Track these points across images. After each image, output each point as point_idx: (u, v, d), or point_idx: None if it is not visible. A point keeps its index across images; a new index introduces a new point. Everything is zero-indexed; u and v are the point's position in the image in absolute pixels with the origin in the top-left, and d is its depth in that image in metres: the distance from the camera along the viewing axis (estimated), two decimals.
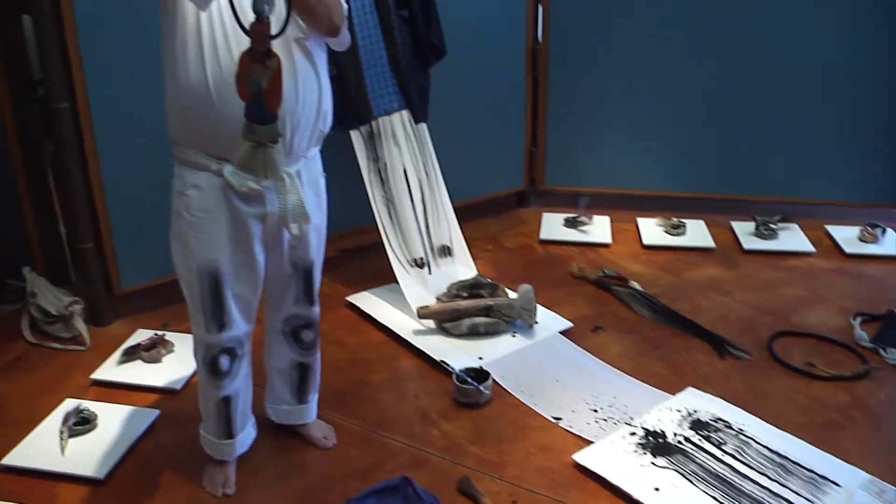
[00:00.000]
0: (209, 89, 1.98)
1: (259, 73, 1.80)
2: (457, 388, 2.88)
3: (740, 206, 4.43)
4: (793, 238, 4.22)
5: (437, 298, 3.45)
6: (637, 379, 3.01)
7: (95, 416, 2.74)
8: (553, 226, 4.40)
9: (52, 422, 2.73)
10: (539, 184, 4.64)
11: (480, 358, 3.10)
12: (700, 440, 2.63)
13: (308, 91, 2.10)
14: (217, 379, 2.32)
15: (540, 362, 3.12)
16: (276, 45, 1.86)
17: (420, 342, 3.21)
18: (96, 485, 2.50)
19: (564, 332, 3.31)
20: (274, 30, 1.80)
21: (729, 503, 2.36)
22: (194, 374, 2.99)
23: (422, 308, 3.30)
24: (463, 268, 3.69)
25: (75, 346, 3.30)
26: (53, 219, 3.71)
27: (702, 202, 4.49)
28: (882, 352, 3.15)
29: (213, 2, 1.91)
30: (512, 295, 3.42)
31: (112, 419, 2.76)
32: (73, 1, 3.02)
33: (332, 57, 2.24)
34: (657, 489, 2.42)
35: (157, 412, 2.82)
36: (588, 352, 3.19)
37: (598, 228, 4.36)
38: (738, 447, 2.59)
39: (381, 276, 3.61)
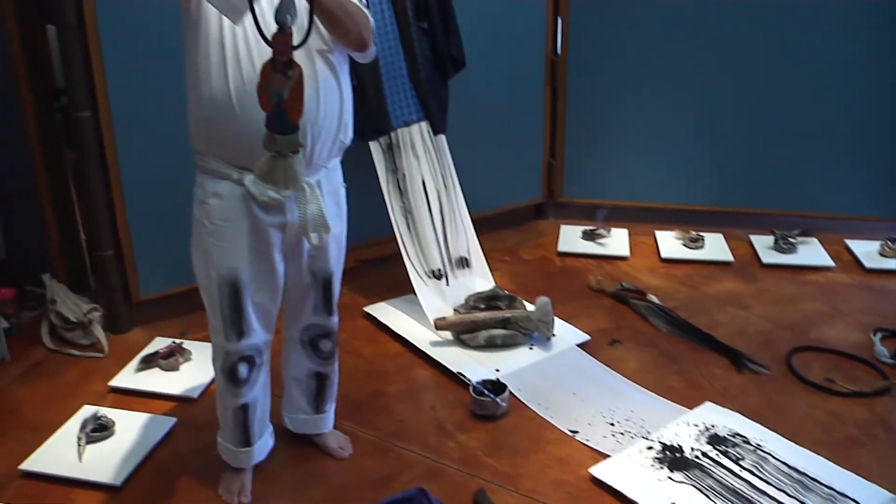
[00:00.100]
0: (231, 99, 2.00)
1: (281, 83, 1.81)
2: (473, 399, 2.87)
3: (759, 220, 4.41)
4: (812, 252, 4.19)
5: (455, 310, 3.45)
6: (654, 393, 3.00)
7: (113, 422, 2.76)
8: (571, 238, 4.39)
9: (70, 428, 2.75)
10: (557, 196, 4.64)
11: (497, 370, 3.10)
12: (717, 455, 2.61)
13: (330, 101, 2.11)
14: (235, 387, 2.32)
15: (557, 375, 3.12)
16: (299, 56, 1.88)
17: (437, 353, 3.21)
18: (113, 491, 2.51)
19: (582, 345, 3.30)
20: (296, 40, 1.81)
21: None
22: (211, 382, 3.00)
23: (439, 319, 3.30)
24: (480, 279, 3.69)
25: (94, 353, 3.32)
26: (74, 226, 3.74)
27: (720, 216, 4.47)
28: None
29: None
30: (529, 307, 3.41)
31: (129, 426, 2.77)
32: (97, 11, 3.05)
33: (352, 68, 2.25)
34: None
35: (174, 420, 2.83)
36: (605, 365, 3.18)
37: (616, 241, 4.35)
38: (756, 463, 2.58)
39: (399, 287, 3.61)
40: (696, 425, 2.76)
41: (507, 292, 3.52)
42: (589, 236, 4.36)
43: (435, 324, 3.30)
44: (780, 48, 4.16)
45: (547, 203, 4.69)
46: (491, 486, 2.52)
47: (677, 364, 3.21)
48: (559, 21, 4.33)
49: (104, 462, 2.60)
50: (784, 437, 2.70)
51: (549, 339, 3.29)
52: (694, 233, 4.30)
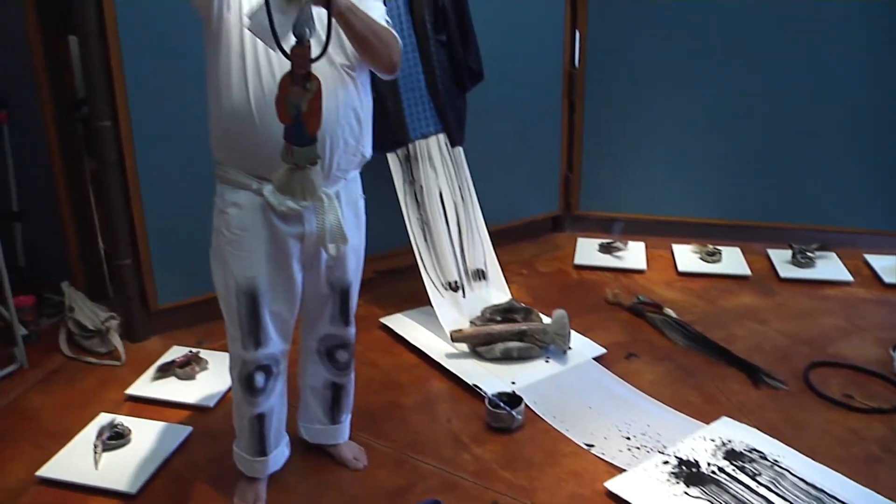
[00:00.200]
0: (251, 111, 2.02)
1: (299, 95, 1.82)
2: (489, 412, 2.87)
3: (777, 234, 4.40)
4: (830, 267, 4.17)
5: (471, 322, 3.45)
6: (671, 407, 2.99)
7: (129, 431, 2.77)
8: (588, 251, 4.39)
9: (87, 435, 2.76)
10: (574, 209, 4.64)
11: (513, 382, 3.09)
12: (734, 471, 2.59)
13: (350, 114, 2.13)
14: (252, 396, 2.33)
15: (573, 388, 3.11)
16: (321, 69, 1.90)
17: (453, 365, 3.21)
18: (128, 499, 2.51)
19: (598, 359, 3.30)
20: (314, 53, 1.82)
21: None
22: (227, 391, 3.02)
23: (455, 331, 3.30)
24: (497, 292, 3.69)
25: (111, 360, 3.33)
26: (93, 235, 3.77)
27: (738, 229, 4.46)
28: None
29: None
30: (546, 320, 3.41)
31: (145, 434, 2.79)
32: (118, 23, 3.08)
33: (371, 80, 2.27)
34: None
35: (189, 429, 2.83)
36: (621, 378, 3.17)
37: (633, 254, 4.34)
38: (774, 479, 2.56)
39: (415, 299, 3.61)
40: (712, 440, 2.74)
41: (523, 305, 3.52)
42: (606, 249, 4.35)
43: (451, 336, 3.29)
44: (799, 62, 4.16)
45: (564, 216, 4.69)
46: (506, 499, 2.51)
47: (694, 378, 3.19)
48: (577, 34, 4.34)
49: (120, 470, 2.61)
50: (802, 453, 2.68)
51: (565, 352, 3.28)
52: (711, 246, 4.29)
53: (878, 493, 2.49)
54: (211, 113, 2.13)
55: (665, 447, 2.72)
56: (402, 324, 3.55)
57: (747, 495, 2.48)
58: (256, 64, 2.00)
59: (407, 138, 3.50)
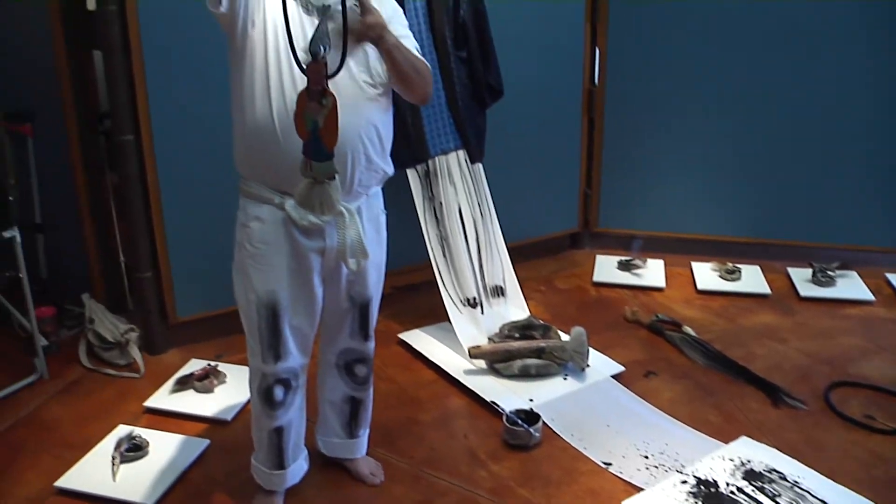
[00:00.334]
0: (274, 125, 2.03)
1: (315, 111, 1.85)
2: (506, 429, 2.86)
3: (797, 252, 4.37)
4: (851, 286, 4.14)
5: (489, 339, 3.44)
6: (689, 426, 2.97)
7: (147, 443, 2.78)
8: (606, 268, 4.38)
9: (105, 447, 2.77)
10: (593, 226, 4.63)
11: (531, 400, 3.08)
12: (753, 491, 2.57)
13: (371, 130, 2.14)
14: (271, 409, 2.33)
15: (591, 406, 3.09)
16: (343, 85, 1.94)
17: (471, 382, 3.21)
18: None
19: (616, 377, 3.28)
20: (330, 70, 1.85)
21: None
22: (245, 405, 3.02)
23: (473, 348, 3.30)
24: (515, 308, 3.68)
25: (130, 373, 3.35)
26: (114, 248, 3.80)
27: (757, 247, 4.44)
28: None
29: (280, 41, 1.96)
30: (564, 337, 3.40)
31: (163, 447, 2.79)
32: (142, 38, 3.12)
33: (392, 96, 2.28)
34: None
35: (207, 442, 2.84)
36: (640, 397, 3.15)
37: (652, 272, 4.33)
38: (794, 500, 2.53)
39: (434, 315, 3.61)
40: (731, 460, 2.72)
41: (541, 322, 3.51)
42: (624, 266, 4.34)
43: (469, 352, 3.29)
44: (820, 80, 4.14)
45: (583, 233, 4.69)
46: None
47: (713, 397, 3.17)
48: (597, 52, 4.35)
49: (137, 482, 2.61)
50: (822, 474, 2.65)
51: (583, 369, 3.27)
52: (730, 264, 4.27)
53: None
54: (235, 128, 2.15)
55: (683, 466, 2.71)
56: (421, 340, 3.55)
57: None
58: (280, 80, 2.02)
59: (427, 154, 3.51)
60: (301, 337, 2.30)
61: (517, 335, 3.41)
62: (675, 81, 4.32)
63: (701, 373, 3.36)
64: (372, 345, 2.51)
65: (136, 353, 3.40)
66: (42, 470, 2.71)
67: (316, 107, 1.85)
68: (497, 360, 3.27)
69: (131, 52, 3.12)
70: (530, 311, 3.70)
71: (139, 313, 3.53)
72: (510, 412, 2.91)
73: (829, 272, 4.15)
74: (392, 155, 2.30)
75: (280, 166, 2.07)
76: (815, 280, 4.15)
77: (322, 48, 1.86)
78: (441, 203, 3.53)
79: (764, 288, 4.14)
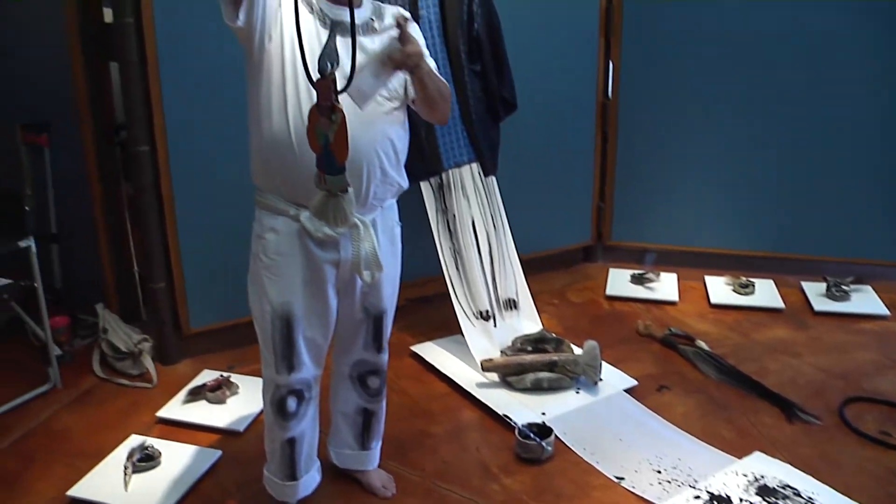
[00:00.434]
0: (291, 139, 2.05)
1: (325, 126, 1.89)
2: (519, 442, 2.85)
3: (811, 267, 4.36)
4: (866, 300, 4.12)
5: (502, 352, 3.44)
6: (702, 441, 2.95)
7: (159, 453, 2.78)
8: (619, 282, 4.37)
9: (118, 456, 2.78)
10: (606, 239, 4.63)
11: (543, 413, 3.07)
12: None
13: (387, 144, 2.16)
14: (284, 420, 2.34)
15: (603, 420, 3.08)
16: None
17: (483, 395, 3.20)
18: None
19: (629, 391, 3.27)
20: (339, 86, 1.87)
21: None
22: (257, 416, 3.03)
23: (486, 361, 3.30)
24: (528, 321, 3.68)
25: (142, 383, 3.36)
26: (128, 258, 3.82)
27: (771, 261, 4.42)
28: None
29: (297, 55, 1.98)
30: (577, 351, 3.39)
31: (175, 457, 2.80)
32: (158, 51, 3.14)
33: (406, 110, 2.29)
34: None
35: (219, 453, 2.84)
36: (653, 411, 3.14)
37: (665, 286, 4.32)
38: None
39: (447, 327, 3.61)
40: (744, 475, 2.71)
41: (554, 335, 3.51)
42: (638, 280, 4.33)
43: (482, 365, 3.29)
44: (834, 95, 4.14)
45: (596, 246, 4.69)
46: None
47: (726, 412, 3.16)
48: (610, 65, 4.35)
49: (149, 492, 2.62)
50: (837, 490, 2.63)
51: (596, 383, 3.26)
52: (744, 278, 4.26)
53: None
54: (251, 140, 2.17)
55: (696, 481, 2.69)
56: (433, 352, 3.55)
57: None
58: (296, 94, 2.04)
59: (440, 167, 3.51)
60: (315, 348, 2.31)
61: (530, 348, 3.41)
62: (689, 95, 4.32)
63: (714, 387, 3.34)
64: (385, 357, 2.51)
65: (149, 363, 3.41)
66: (54, 479, 2.72)
67: (326, 122, 1.88)
68: (509, 374, 3.26)
69: (147, 63, 3.15)
70: (543, 325, 3.70)
71: (152, 324, 3.54)
72: (522, 425, 2.90)
73: (844, 286, 4.13)
74: (406, 168, 2.30)
75: (296, 179, 2.09)
76: (830, 294, 4.13)
77: (330, 65, 1.90)
78: (454, 216, 3.53)
79: (778, 302, 4.12)
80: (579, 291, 4.34)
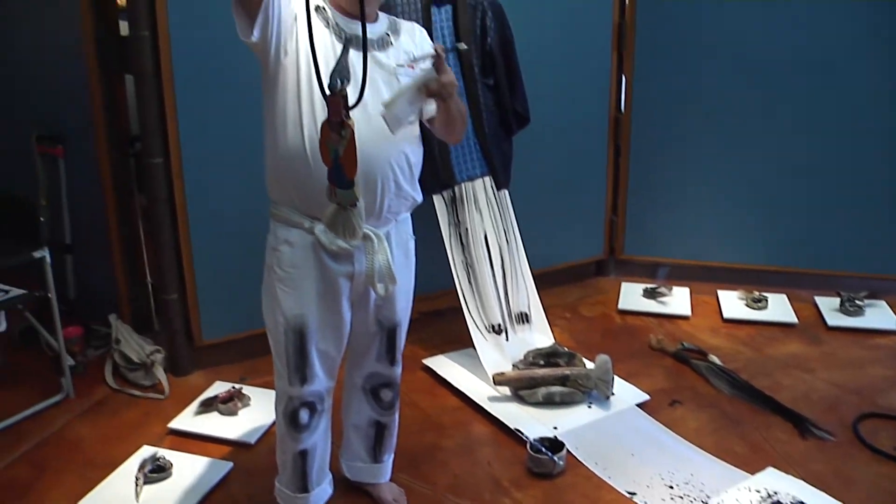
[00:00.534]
0: (306, 152, 2.06)
1: (336, 141, 1.91)
2: (530, 457, 2.85)
3: (825, 281, 4.34)
4: (880, 315, 4.09)
5: (514, 365, 3.43)
6: (715, 456, 2.94)
7: (171, 464, 2.79)
8: (632, 296, 4.36)
9: (129, 467, 2.79)
10: (619, 253, 4.62)
11: (555, 427, 3.07)
12: None
13: (401, 157, 2.16)
14: (296, 432, 2.34)
15: (615, 435, 3.07)
16: (376, 114, 2.01)
17: (495, 409, 3.19)
18: None
19: (641, 405, 3.26)
20: (351, 101, 1.90)
21: None
22: (269, 428, 3.03)
23: (498, 374, 3.29)
24: (540, 335, 3.67)
25: (154, 394, 3.36)
26: (141, 269, 3.83)
27: (784, 276, 4.41)
28: None
29: (312, 70, 1.99)
30: (589, 365, 3.38)
31: (186, 469, 2.80)
32: (173, 63, 3.16)
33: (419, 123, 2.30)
34: None
35: (230, 464, 2.84)
36: (665, 426, 3.13)
37: (678, 300, 4.31)
38: None
39: (459, 341, 3.61)
40: (757, 491, 2.69)
41: (566, 349, 3.50)
42: (650, 294, 4.32)
43: (493, 379, 3.28)
44: (846, 109, 4.13)
45: (608, 260, 4.68)
46: None
47: (739, 427, 3.14)
48: (623, 79, 4.35)
49: (160, 503, 2.62)
50: None
51: (608, 397, 3.25)
52: (757, 293, 4.24)
53: None
54: (267, 153, 2.17)
55: (709, 497, 2.68)
56: (445, 365, 3.55)
57: None
58: (311, 107, 2.04)
59: (453, 181, 3.52)
60: (328, 360, 2.31)
61: (542, 362, 3.40)
62: (702, 110, 4.32)
63: (727, 402, 3.33)
64: (399, 370, 2.52)
65: (161, 374, 3.42)
66: (66, 489, 2.72)
67: (336, 137, 1.90)
68: (521, 388, 3.26)
69: (162, 76, 3.17)
70: (555, 339, 3.69)
71: (165, 335, 3.55)
72: (534, 440, 2.89)
73: (858, 301, 4.11)
74: (419, 181, 2.31)
75: (310, 191, 2.09)
76: (843, 309, 4.11)
77: (340, 81, 1.92)
78: (467, 229, 3.53)
79: (791, 317, 4.10)
80: (591, 305, 4.33)
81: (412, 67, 2.18)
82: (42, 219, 3.30)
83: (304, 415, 2.32)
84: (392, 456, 2.67)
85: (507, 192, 3.68)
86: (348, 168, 1.92)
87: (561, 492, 2.75)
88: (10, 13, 4.02)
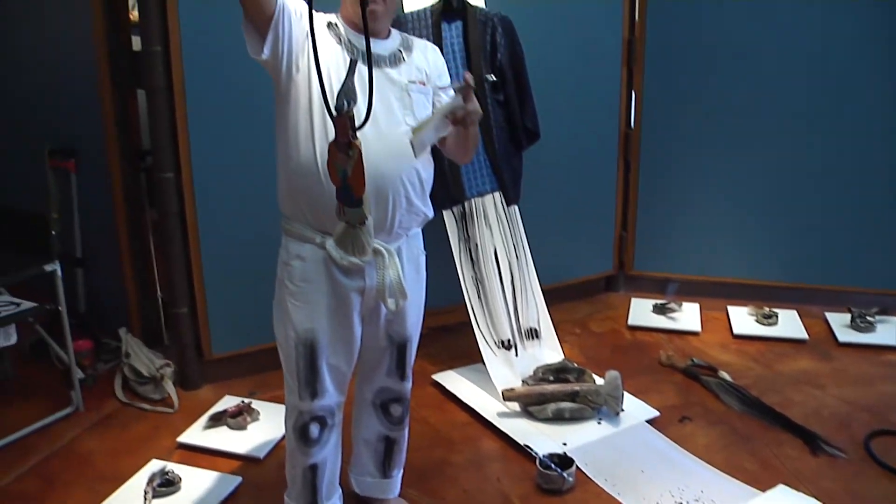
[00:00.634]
0: (318, 168, 2.07)
1: (343, 161, 1.92)
2: (540, 473, 2.84)
3: (835, 297, 4.32)
4: (891, 331, 4.07)
5: (523, 381, 3.42)
6: (725, 473, 2.92)
7: (179, 478, 2.79)
8: (642, 311, 4.35)
9: (138, 481, 2.79)
10: (628, 268, 4.61)
11: (565, 444, 3.06)
12: None
13: (412, 174, 2.17)
14: (306, 446, 2.33)
15: (625, 451, 3.06)
16: (386, 131, 2.05)
17: (504, 424, 3.19)
18: None
19: (651, 421, 3.25)
20: (358, 122, 1.91)
21: None
22: (278, 443, 3.03)
23: (507, 390, 3.28)
24: (550, 351, 3.66)
25: (164, 407, 3.37)
26: (152, 283, 3.84)
27: (795, 292, 4.39)
28: None
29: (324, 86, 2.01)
30: (599, 381, 3.37)
31: (195, 483, 2.80)
32: (185, 78, 3.18)
33: None
34: None
35: (239, 479, 2.84)
36: (675, 442, 3.11)
37: (688, 316, 4.29)
38: None
39: (468, 356, 3.61)
40: None
41: (576, 365, 3.49)
42: (660, 310, 4.31)
43: (503, 394, 3.28)
44: (857, 124, 4.12)
45: (618, 275, 4.67)
46: None
47: (749, 443, 3.13)
48: (633, 94, 4.36)
49: None
50: None
51: (617, 413, 3.24)
52: (767, 309, 4.23)
53: None
54: (279, 168, 2.19)
55: None
56: (454, 381, 3.54)
57: None
58: (323, 124, 2.06)
59: (463, 196, 3.52)
60: (338, 375, 2.31)
61: (551, 378, 3.39)
62: (711, 125, 4.32)
63: (737, 419, 3.31)
64: (409, 384, 2.52)
65: (170, 388, 3.42)
66: (75, 502, 2.73)
67: (343, 157, 1.91)
68: (531, 403, 3.25)
69: (174, 91, 3.19)
70: (565, 354, 3.68)
71: (175, 349, 3.56)
72: (543, 456, 2.88)
73: (869, 317, 4.09)
74: (429, 196, 2.32)
75: (322, 207, 2.10)
76: (854, 325, 4.09)
77: (347, 102, 1.94)
78: (477, 245, 3.54)
79: (801, 333, 4.09)
80: (601, 321, 4.32)
81: (424, 84, 2.19)
82: (53, 232, 3.32)
83: (314, 429, 2.31)
84: (401, 471, 2.66)
85: (516, 207, 3.68)
86: (356, 187, 1.93)
87: None
88: (22, 28, 4.06)
